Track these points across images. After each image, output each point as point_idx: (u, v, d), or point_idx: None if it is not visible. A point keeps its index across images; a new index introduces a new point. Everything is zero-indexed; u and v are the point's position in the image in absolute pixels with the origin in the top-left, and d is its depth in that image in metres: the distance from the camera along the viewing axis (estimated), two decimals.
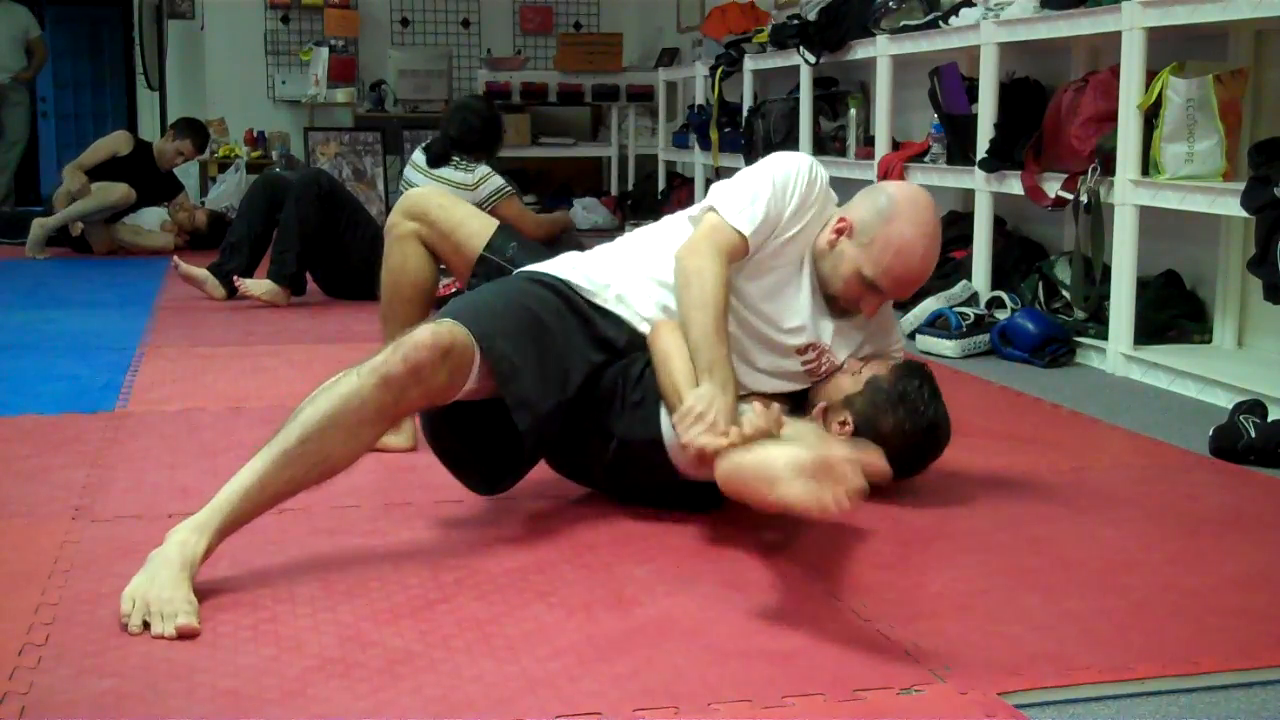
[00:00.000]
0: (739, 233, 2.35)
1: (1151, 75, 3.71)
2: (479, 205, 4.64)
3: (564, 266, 2.49)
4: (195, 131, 7.10)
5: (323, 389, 2.07)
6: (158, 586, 1.87)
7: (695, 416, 2.11)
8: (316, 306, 5.17)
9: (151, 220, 7.12)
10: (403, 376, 2.05)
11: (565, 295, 2.40)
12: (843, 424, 2.43)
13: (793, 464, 1.82)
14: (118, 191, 6.72)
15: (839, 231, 2.44)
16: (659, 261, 2.43)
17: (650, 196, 8.32)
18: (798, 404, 2.52)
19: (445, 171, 5.16)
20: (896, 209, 2.41)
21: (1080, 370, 3.96)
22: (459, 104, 5.59)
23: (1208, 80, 3.59)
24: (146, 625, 1.83)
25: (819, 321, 2.50)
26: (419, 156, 5.28)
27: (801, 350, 2.49)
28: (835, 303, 2.49)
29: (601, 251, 2.58)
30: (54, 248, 6.77)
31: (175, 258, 5.40)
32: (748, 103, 6.75)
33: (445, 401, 2.17)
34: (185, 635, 1.81)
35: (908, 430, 2.41)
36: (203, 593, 1.95)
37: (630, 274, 2.46)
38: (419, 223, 2.69)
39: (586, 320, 2.39)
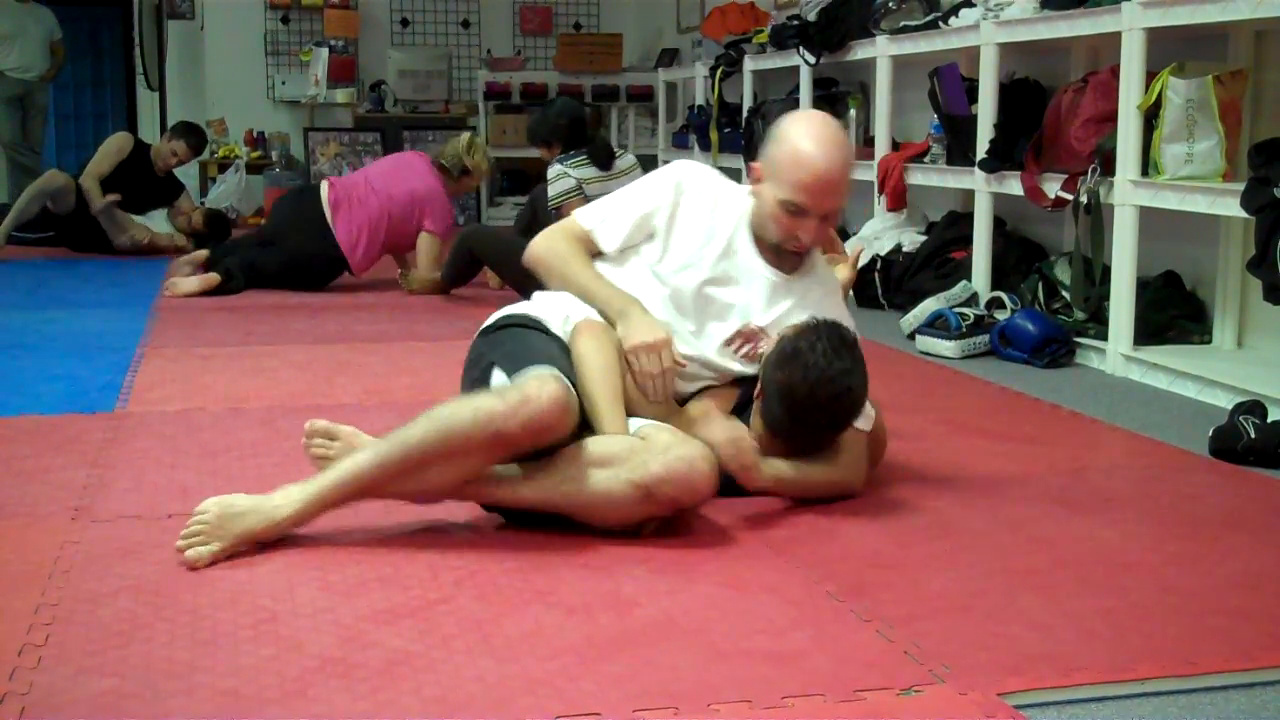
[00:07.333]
0: (584, 228, 2.61)
1: (1151, 76, 3.71)
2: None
3: (529, 307, 2.59)
4: (190, 133, 7.11)
5: (441, 412, 2.15)
6: (227, 520, 2.10)
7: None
8: (316, 307, 5.17)
9: (152, 222, 7.14)
10: (520, 437, 2.14)
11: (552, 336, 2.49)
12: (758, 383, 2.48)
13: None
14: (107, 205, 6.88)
15: (755, 181, 2.54)
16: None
17: None
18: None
19: (621, 163, 5.26)
20: (785, 129, 2.49)
21: (1080, 371, 3.96)
22: (562, 105, 5.63)
23: (1207, 81, 3.59)
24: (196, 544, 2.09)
25: (750, 303, 2.53)
26: (585, 172, 5.18)
27: (729, 341, 2.52)
28: (784, 256, 2.53)
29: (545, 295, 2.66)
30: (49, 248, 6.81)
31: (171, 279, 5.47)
32: (748, 103, 6.75)
33: None
34: (189, 563, 2.06)
35: (794, 384, 2.33)
36: (203, 592, 1.96)
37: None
38: None
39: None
